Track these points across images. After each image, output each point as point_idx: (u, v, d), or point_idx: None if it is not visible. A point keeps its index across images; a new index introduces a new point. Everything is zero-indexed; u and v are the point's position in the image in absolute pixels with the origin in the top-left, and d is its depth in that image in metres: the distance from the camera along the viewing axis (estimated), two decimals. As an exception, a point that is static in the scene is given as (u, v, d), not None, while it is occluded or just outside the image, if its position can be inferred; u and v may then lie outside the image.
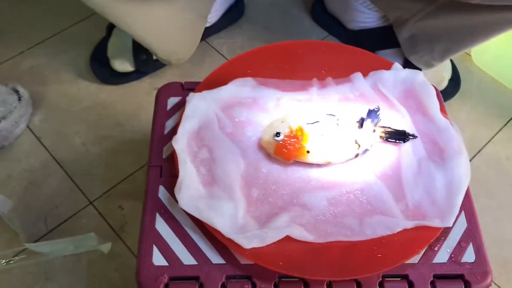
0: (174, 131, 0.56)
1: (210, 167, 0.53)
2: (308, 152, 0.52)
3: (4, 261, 0.73)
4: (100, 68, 0.94)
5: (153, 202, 0.52)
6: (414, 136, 0.55)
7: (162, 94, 0.61)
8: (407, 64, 0.88)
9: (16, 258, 0.73)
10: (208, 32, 1.00)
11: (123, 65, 0.92)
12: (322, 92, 0.58)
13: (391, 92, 0.58)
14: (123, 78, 0.93)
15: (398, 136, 0.55)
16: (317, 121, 0.54)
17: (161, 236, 0.50)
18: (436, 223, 0.49)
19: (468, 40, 0.79)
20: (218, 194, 0.51)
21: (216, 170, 0.53)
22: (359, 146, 0.53)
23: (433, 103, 0.56)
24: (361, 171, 0.53)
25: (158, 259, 0.49)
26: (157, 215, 0.51)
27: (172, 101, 0.60)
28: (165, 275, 0.48)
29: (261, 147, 0.54)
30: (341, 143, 0.53)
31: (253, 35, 1.03)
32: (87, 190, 0.81)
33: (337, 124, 0.54)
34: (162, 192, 0.53)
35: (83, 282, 0.73)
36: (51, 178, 0.83)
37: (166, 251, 0.49)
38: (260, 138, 0.55)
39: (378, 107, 0.55)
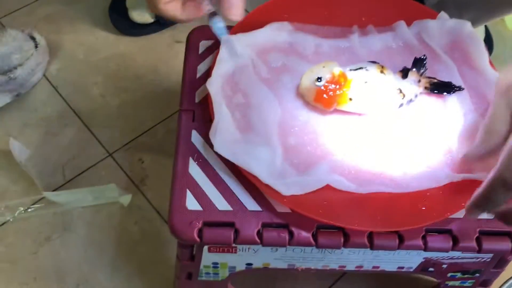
0: (206, 75, 0.54)
1: (245, 113, 0.50)
2: (350, 99, 0.50)
3: (22, 208, 0.71)
4: (119, 19, 0.90)
5: (186, 146, 0.50)
6: (461, 88, 0.52)
7: (194, 36, 0.58)
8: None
9: (34, 206, 0.71)
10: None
11: (142, 16, 0.89)
12: (363, 40, 0.55)
13: (437, 42, 0.55)
14: (142, 30, 0.90)
15: (443, 88, 0.52)
16: (361, 68, 0.51)
17: (195, 180, 0.48)
18: (484, 177, 0.47)
19: (499, 9, 0.75)
20: (254, 140, 0.48)
21: (251, 117, 0.50)
22: (404, 95, 0.51)
23: (482, 55, 0.54)
24: (405, 122, 0.51)
25: (192, 203, 0.46)
26: (190, 160, 0.49)
27: (204, 44, 0.57)
28: (199, 219, 0.46)
29: (300, 93, 0.52)
30: (385, 91, 0.50)
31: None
32: (106, 142, 0.79)
33: (381, 72, 0.51)
34: (195, 137, 0.50)
35: (101, 233, 0.71)
36: (68, 128, 0.80)
37: (200, 195, 0.47)
38: (298, 84, 0.52)
39: (425, 55, 0.52)
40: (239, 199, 0.47)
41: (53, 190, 0.74)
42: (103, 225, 0.72)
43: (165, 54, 0.89)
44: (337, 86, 0.49)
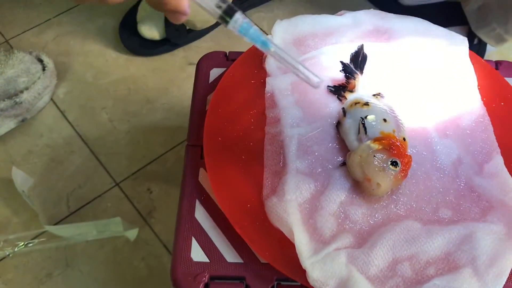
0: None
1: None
2: (404, 139, 0.44)
3: (22, 243, 0.67)
4: (130, 37, 0.87)
5: (192, 186, 0.45)
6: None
7: (203, 64, 0.53)
8: (471, 43, 0.78)
9: (35, 240, 0.67)
10: (248, 5, 0.92)
11: (150, 31, 0.85)
12: None
13: None
14: (154, 49, 0.86)
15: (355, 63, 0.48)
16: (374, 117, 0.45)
17: (201, 227, 0.43)
18: None
19: None
20: None
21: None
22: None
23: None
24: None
25: (197, 254, 0.41)
26: (197, 202, 0.44)
27: (215, 72, 0.53)
28: (206, 273, 0.40)
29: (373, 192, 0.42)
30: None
31: (296, 10, 0.94)
32: (113, 170, 0.75)
33: (377, 96, 0.46)
34: (202, 176, 0.45)
35: (105, 270, 0.66)
36: (75, 156, 0.76)
37: (207, 245, 0.42)
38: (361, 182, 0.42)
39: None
40: (250, 249, 0.42)
41: (57, 223, 0.70)
42: (108, 261, 0.67)
43: (177, 77, 0.85)
44: (404, 151, 0.42)
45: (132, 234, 0.68)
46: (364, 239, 0.40)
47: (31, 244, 0.67)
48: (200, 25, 0.82)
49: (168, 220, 0.70)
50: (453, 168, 0.44)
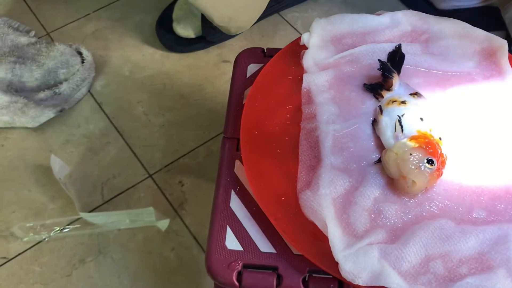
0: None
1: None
2: (440, 138, 0.44)
3: (58, 228, 0.69)
4: (166, 34, 0.89)
5: (228, 177, 0.46)
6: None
7: (241, 59, 0.54)
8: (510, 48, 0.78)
9: (70, 226, 0.69)
10: (282, 6, 0.93)
11: (185, 30, 0.87)
12: None
13: None
14: (189, 46, 0.88)
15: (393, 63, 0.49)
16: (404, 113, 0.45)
17: (236, 216, 0.44)
18: None
19: None
20: None
21: None
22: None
23: None
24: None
25: (232, 242, 0.42)
26: (232, 193, 0.45)
27: (252, 67, 0.54)
28: (239, 261, 0.41)
29: (408, 190, 0.42)
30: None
31: (330, 10, 0.95)
32: (147, 162, 0.76)
33: (415, 95, 0.46)
34: (238, 167, 0.46)
35: (136, 259, 0.68)
36: (110, 146, 0.78)
37: (241, 234, 0.43)
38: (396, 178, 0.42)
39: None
40: (283, 240, 0.42)
41: (91, 210, 0.72)
42: (139, 249, 0.69)
43: (211, 74, 0.86)
44: (440, 150, 0.42)
45: (163, 224, 0.69)
46: (397, 236, 0.41)
47: (66, 230, 0.69)
48: (235, 31, 0.83)
49: (199, 212, 0.72)
50: (488, 169, 0.44)
